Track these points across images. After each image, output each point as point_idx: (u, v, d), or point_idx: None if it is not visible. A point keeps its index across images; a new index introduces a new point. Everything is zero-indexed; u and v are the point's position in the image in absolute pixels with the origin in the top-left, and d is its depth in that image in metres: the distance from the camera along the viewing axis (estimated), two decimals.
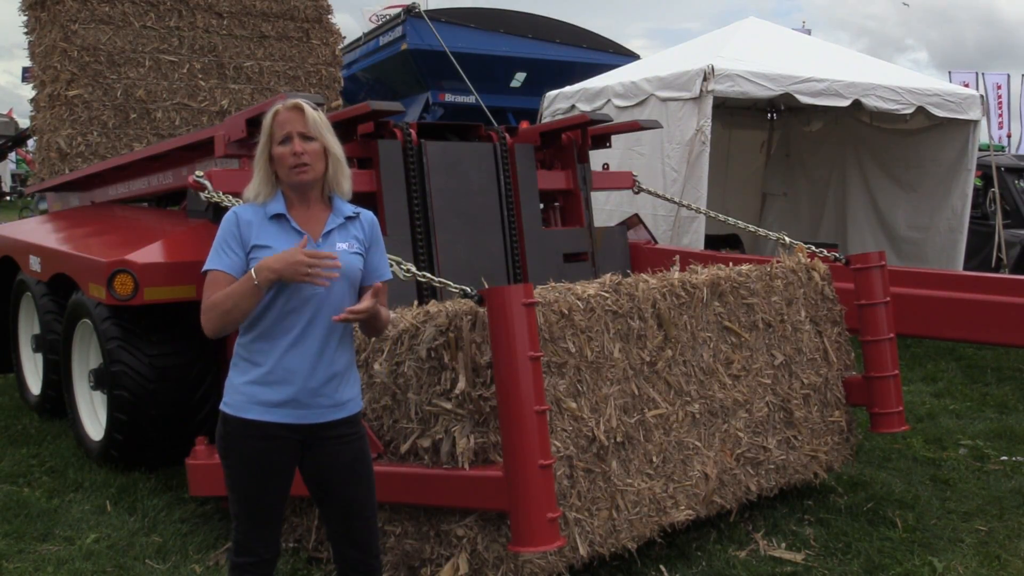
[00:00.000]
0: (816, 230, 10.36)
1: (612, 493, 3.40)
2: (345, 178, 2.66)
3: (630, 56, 15.53)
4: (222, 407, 2.60)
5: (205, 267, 2.58)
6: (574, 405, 3.33)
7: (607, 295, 3.55)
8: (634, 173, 6.34)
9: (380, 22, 16.01)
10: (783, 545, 3.96)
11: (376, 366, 3.49)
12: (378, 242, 2.74)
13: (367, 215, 2.74)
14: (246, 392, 2.55)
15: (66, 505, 4.48)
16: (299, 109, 2.58)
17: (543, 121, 8.69)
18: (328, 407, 2.59)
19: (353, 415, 2.67)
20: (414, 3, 14.41)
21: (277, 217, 2.59)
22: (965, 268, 8.94)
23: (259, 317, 2.55)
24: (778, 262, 4.40)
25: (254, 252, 2.55)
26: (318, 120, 2.58)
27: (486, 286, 3.15)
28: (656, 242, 6.50)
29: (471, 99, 13.87)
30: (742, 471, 3.94)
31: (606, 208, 8.21)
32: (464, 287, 3.27)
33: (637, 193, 6.42)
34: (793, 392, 4.20)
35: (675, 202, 6.79)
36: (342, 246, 2.61)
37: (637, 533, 3.48)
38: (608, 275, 3.71)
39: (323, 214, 2.64)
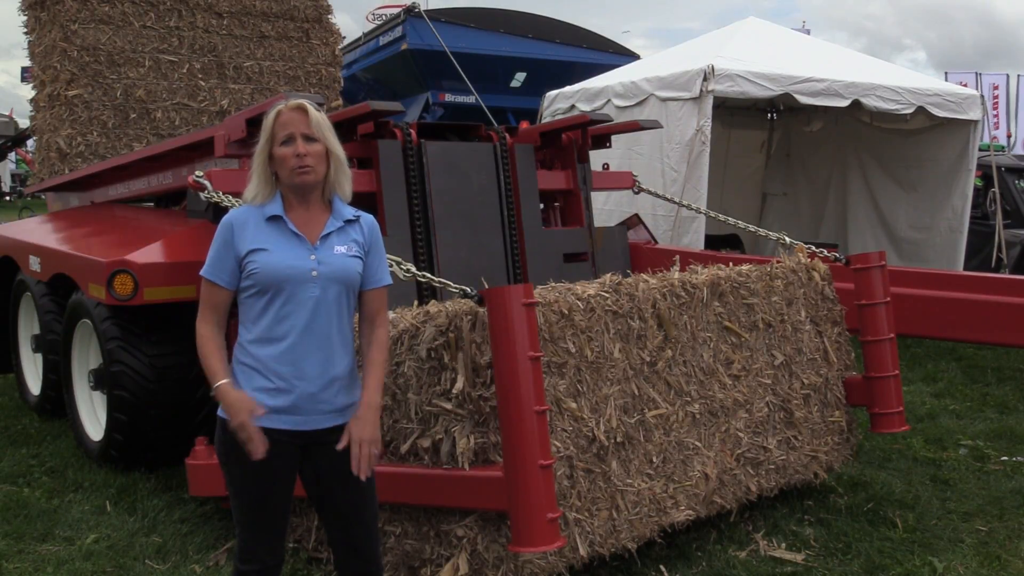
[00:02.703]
0: (816, 230, 10.37)
1: (612, 493, 3.40)
2: (347, 180, 2.63)
3: (630, 56, 15.56)
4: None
5: (201, 271, 2.59)
6: (574, 405, 3.32)
7: (607, 295, 3.54)
8: (634, 173, 6.35)
9: (378, 22, 16.02)
10: (783, 545, 3.96)
11: None
12: (378, 247, 2.71)
13: (367, 219, 2.71)
14: None
15: (66, 505, 4.48)
16: (302, 110, 2.55)
17: (543, 121, 8.69)
18: (327, 413, 2.57)
19: None
20: (414, 3, 14.42)
21: (274, 219, 2.56)
22: (965, 268, 8.94)
23: (256, 322, 2.54)
24: (778, 262, 4.40)
25: (250, 256, 2.53)
26: (321, 121, 2.55)
27: (486, 286, 3.15)
28: (656, 242, 6.50)
29: (471, 99, 13.88)
30: (742, 471, 3.94)
31: (606, 208, 8.21)
32: (464, 287, 3.27)
33: (637, 193, 6.42)
34: (793, 392, 4.20)
35: (675, 202, 6.79)
36: (340, 249, 2.58)
37: (637, 533, 3.48)
38: (608, 275, 3.70)
39: (322, 217, 2.61)
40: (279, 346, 2.51)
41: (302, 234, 2.56)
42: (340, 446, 2.57)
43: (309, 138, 2.53)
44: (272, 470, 2.55)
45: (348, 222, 2.64)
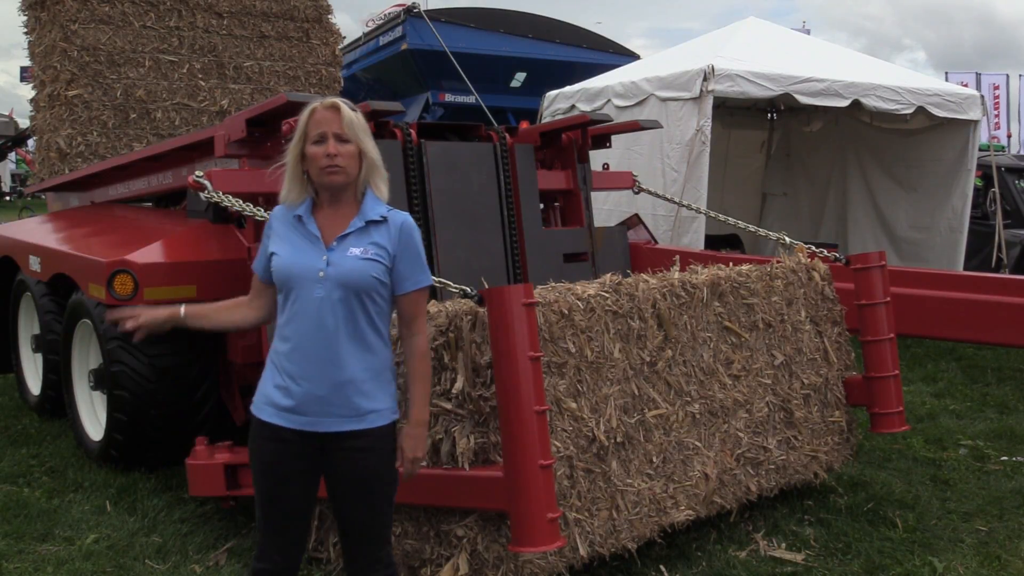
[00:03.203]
0: (816, 230, 10.37)
1: (612, 493, 3.40)
2: (383, 180, 2.57)
3: (630, 56, 15.56)
4: (251, 408, 2.61)
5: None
6: (574, 405, 3.32)
7: (607, 295, 3.54)
8: (634, 173, 6.35)
9: (376, 25, 16.03)
10: (783, 545, 3.96)
11: None
12: (409, 248, 2.56)
13: (398, 219, 2.57)
14: (264, 392, 2.55)
15: (66, 505, 4.48)
16: (336, 109, 2.50)
17: (543, 121, 8.69)
18: (340, 417, 2.49)
19: (375, 428, 2.53)
20: (414, 3, 14.42)
21: (298, 219, 2.55)
22: (965, 268, 8.94)
23: (279, 320, 2.56)
24: (778, 262, 4.40)
25: (272, 257, 2.56)
26: (354, 121, 2.50)
27: (486, 286, 3.15)
28: (656, 242, 6.50)
29: (471, 99, 13.89)
30: (742, 471, 3.94)
31: (606, 208, 8.21)
32: (464, 287, 3.27)
33: (637, 193, 6.42)
34: (793, 392, 4.20)
35: (675, 202, 6.80)
36: (355, 251, 2.50)
37: (637, 533, 3.48)
38: (608, 275, 3.70)
39: (349, 217, 2.55)
40: (288, 344, 2.51)
41: (320, 234, 2.52)
42: (399, 464, 2.59)
43: (341, 138, 2.48)
44: (280, 469, 2.53)
45: (372, 223, 2.54)
